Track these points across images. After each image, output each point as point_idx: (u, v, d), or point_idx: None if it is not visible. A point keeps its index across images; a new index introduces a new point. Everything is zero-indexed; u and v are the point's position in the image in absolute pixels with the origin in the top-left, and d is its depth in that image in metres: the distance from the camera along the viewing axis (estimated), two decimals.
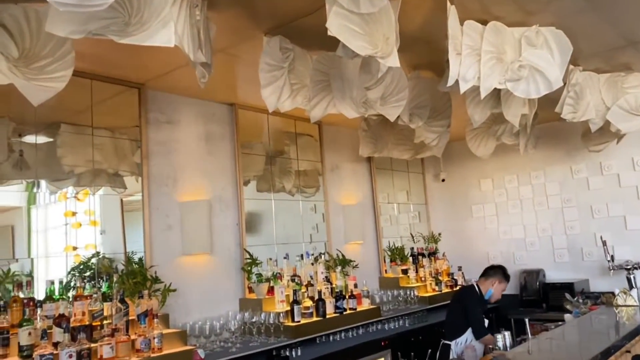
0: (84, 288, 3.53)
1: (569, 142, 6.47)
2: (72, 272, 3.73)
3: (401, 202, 7.16)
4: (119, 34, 2.25)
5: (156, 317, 3.61)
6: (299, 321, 4.45)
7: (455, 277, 6.48)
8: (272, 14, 3.27)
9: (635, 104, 4.54)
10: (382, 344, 4.80)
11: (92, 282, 3.69)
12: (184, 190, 4.53)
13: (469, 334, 4.25)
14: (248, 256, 4.73)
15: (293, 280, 4.80)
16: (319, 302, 4.66)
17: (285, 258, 5.00)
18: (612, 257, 5.86)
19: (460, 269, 6.62)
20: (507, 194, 7.16)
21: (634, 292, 4.94)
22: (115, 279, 3.75)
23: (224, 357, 3.81)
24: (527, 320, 4.03)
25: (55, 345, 3.07)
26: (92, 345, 3.18)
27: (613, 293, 5.01)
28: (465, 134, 5.40)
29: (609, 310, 4.79)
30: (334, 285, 5.02)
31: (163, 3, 2.34)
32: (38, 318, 3.11)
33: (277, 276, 4.70)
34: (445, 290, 6.21)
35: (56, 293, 3.42)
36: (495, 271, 4.52)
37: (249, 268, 4.68)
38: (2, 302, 3.09)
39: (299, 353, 4.24)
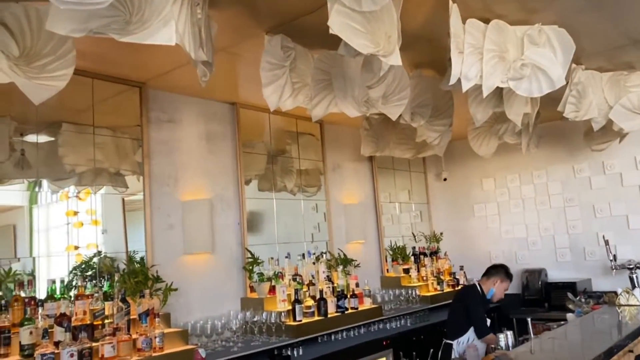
0: (85, 287, 3.53)
1: (571, 141, 6.46)
2: (73, 272, 3.72)
3: (403, 202, 7.15)
4: (120, 33, 2.24)
5: (157, 316, 3.60)
6: (300, 320, 4.44)
7: (457, 277, 6.46)
8: (273, 12, 3.26)
9: (638, 102, 4.53)
10: (384, 343, 4.79)
11: (94, 282, 3.69)
12: (186, 190, 4.52)
13: (470, 333, 4.24)
14: (249, 255, 4.72)
15: (294, 280, 4.79)
16: (321, 302, 4.66)
17: (286, 257, 4.99)
18: (614, 256, 5.85)
19: (462, 268, 6.60)
20: (509, 193, 7.15)
21: (636, 291, 4.92)
22: (116, 278, 3.74)
23: (226, 356, 3.80)
24: (529, 319, 4.02)
25: (57, 344, 3.07)
26: (94, 344, 3.18)
27: (615, 292, 4.99)
28: (467, 133, 5.39)
29: (611, 309, 4.78)
30: (335, 285, 5.01)
31: (164, 1, 2.34)
32: (39, 317, 3.12)
33: (278, 275, 4.69)
34: (447, 289, 6.19)
35: (57, 292, 3.42)
36: (497, 270, 4.51)
37: (251, 267, 4.67)
38: (3, 301, 3.08)
39: (301, 352, 4.23)
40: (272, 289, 4.62)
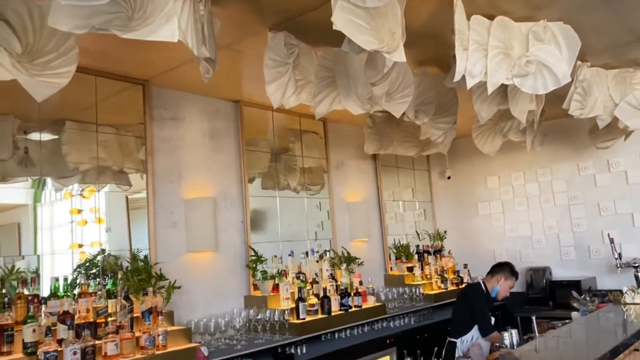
0: (88, 285, 3.53)
1: (576, 139, 6.42)
2: (78, 270, 3.72)
3: (406, 200, 7.13)
4: (122, 29, 2.23)
5: (161, 314, 3.60)
6: (304, 318, 4.43)
7: (461, 275, 6.44)
8: (276, 9, 3.25)
9: None
10: (388, 341, 4.78)
11: (97, 280, 3.69)
12: (189, 188, 4.51)
13: (475, 332, 4.22)
14: (253, 253, 4.72)
15: (298, 278, 4.78)
16: (324, 300, 4.65)
17: (290, 255, 4.98)
18: (619, 254, 5.82)
19: (466, 266, 6.58)
20: (514, 191, 7.12)
21: None
22: (119, 276, 3.74)
23: (229, 354, 3.80)
24: (534, 318, 3.99)
25: (60, 342, 3.07)
26: (97, 342, 3.18)
27: (621, 291, 4.96)
28: (472, 131, 5.37)
29: (616, 308, 4.75)
30: (339, 283, 5.00)
31: None
32: (42, 315, 3.11)
33: (282, 273, 4.68)
34: (450, 287, 6.18)
35: (60, 290, 3.41)
36: (502, 268, 4.49)
37: (254, 265, 4.67)
38: (6, 299, 3.08)
39: (304, 350, 4.22)
40: (276, 287, 4.61)
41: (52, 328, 3.03)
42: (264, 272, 4.63)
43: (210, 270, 4.53)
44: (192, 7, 2.48)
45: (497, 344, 3.89)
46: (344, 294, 4.85)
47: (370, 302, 5.18)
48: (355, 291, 5.02)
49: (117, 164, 4.12)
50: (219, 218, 4.66)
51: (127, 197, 4.22)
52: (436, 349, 4.10)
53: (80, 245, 3.79)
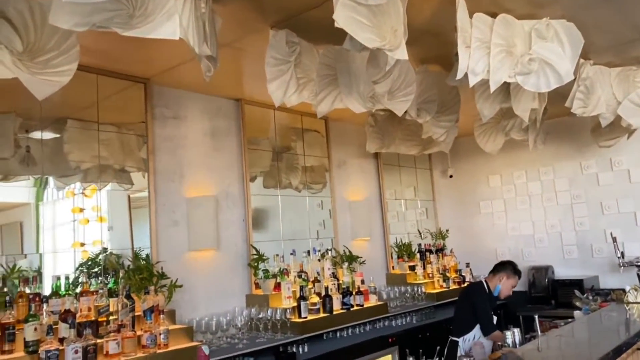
0: (89, 284, 3.52)
1: (579, 137, 6.40)
2: (80, 268, 3.72)
3: (408, 199, 7.12)
4: (123, 27, 2.22)
5: (162, 313, 3.59)
6: (305, 317, 4.43)
7: (463, 274, 6.43)
8: (278, 6, 3.24)
9: None
10: (390, 340, 4.77)
11: (99, 278, 3.68)
12: (191, 186, 4.51)
13: (477, 331, 4.21)
14: (255, 252, 4.71)
15: (300, 277, 4.78)
16: (326, 298, 4.64)
17: (292, 254, 4.97)
18: (622, 253, 5.79)
19: (468, 265, 6.57)
20: (516, 190, 7.10)
21: None
22: (121, 275, 3.73)
23: (231, 353, 3.79)
24: (536, 317, 3.98)
25: (61, 340, 3.07)
26: (98, 340, 3.17)
27: (624, 290, 4.95)
28: (474, 129, 5.35)
29: (619, 307, 4.74)
30: (340, 282, 4.99)
31: None
32: (44, 313, 3.10)
33: (283, 272, 4.68)
34: (452, 286, 6.16)
35: (62, 288, 3.41)
36: (504, 266, 4.47)
37: (256, 264, 4.66)
38: (7, 298, 3.08)
39: (306, 349, 4.22)
40: (278, 286, 4.60)
41: (54, 327, 3.02)
42: (266, 271, 4.62)
43: (211, 269, 4.53)
44: (194, 5, 2.47)
45: (499, 343, 3.88)
46: (345, 292, 4.85)
47: (372, 301, 5.17)
48: (357, 290, 5.01)
49: (119, 162, 4.11)
50: (221, 217, 4.66)
51: (129, 196, 4.22)
52: (438, 348, 4.08)
53: (83, 244, 3.80)
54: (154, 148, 4.28)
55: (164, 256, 4.13)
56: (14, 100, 3.51)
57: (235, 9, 3.19)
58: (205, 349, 3.60)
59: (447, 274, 6.29)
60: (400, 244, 6.49)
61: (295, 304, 4.48)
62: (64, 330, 3.11)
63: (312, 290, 4.70)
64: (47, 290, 3.43)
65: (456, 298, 4.91)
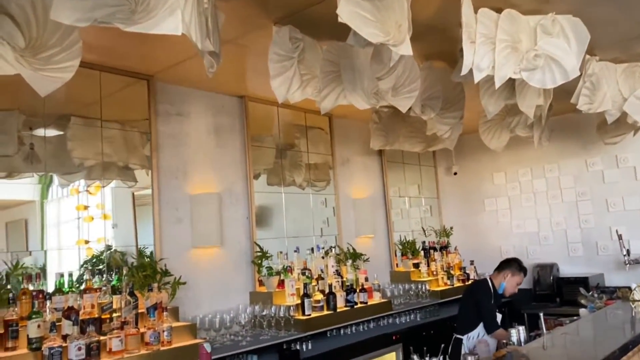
0: (93, 281, 3.52)
1: (584, 134, 6.36)
2: (84, 265, 3.73)
3: (412, 196, 7.09)
4: (125, 22, 2.20)
5: (166, 310, 3.59)
6: (309, 315, 4.42)
7: (467, 272, 6.40)
8: (281, 2, 3.22)
9: None
10: (394, 338, 4.76)
11: (103, 276, 3.68)
12: (194, 183, 4.50)
13: (481, 329, 4.20)
14: (258, 249, 4.70)
15: (303, 274, 4.77)
16: (330, 296, 4.63)
17: (295, 251, 4.96)
18: (627, 251, 5.77)
19: (472, 263, 6.54)
20: (521, 187, 7.07)
21: None
22: (125, 272, 3.73)
23: (234, 350, 3.79)
24: (541, 314, 3.95)
25: (64, 337, 3.06)
26: (101, 338, 3.17)
27: (629, 288, 4.91)
28: (478, 126, 5.32)
29: (625, 305, 4.70)
30: (344, 279, 4.98)
31: None
32: (47, 310, 3.10)
33: (287, 269, 4.67)
34: (457, 284, 6.14)
35: (65, 286, 3.41)
36: (509, 264, 4.45)
37: (259, 261, 4.66)
38: (11, 295, 3.08)
39: (310, 347, 4.21)
40: (281, 283, 4.59)
41: (57, 324, 3.02)
42: (270, 268, 4.62)
43: (215, 266, 4.52)
44: (196, 0, 2.45)
45: (504, 341, 3.85)
46: (349, 290, 4.83)
47: (376, 298, 5.16)
48: (361, 287, 5.00)
49: (123, 159, 4.11)
50: (224, 214, 4.65)
51: (133, 194, 4.22)
52: (442, 345, 4.07)
53: (87, 241, 3.80)
54: (157, 145, 4.27)
55: (167, 253, 4.13)
56: (17, 97, 3.51)
57: (238, 5, 3.17)
58: (207, 347, 3.59)
59: (451, 272, 6.27)
60: (404, 241, 6.47)
61: (299, 302, 4.47)
62: (67, 327, 3.10)
63: (316, 288, 4.69)
64: (51, 288, 3.43)
65: (460, 296, 4.89)
